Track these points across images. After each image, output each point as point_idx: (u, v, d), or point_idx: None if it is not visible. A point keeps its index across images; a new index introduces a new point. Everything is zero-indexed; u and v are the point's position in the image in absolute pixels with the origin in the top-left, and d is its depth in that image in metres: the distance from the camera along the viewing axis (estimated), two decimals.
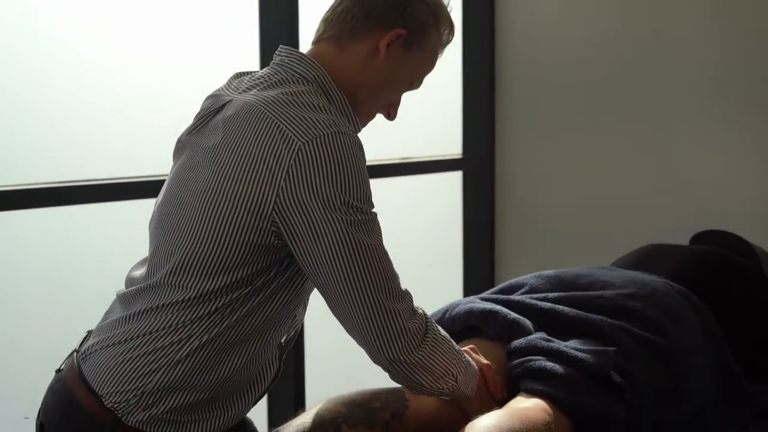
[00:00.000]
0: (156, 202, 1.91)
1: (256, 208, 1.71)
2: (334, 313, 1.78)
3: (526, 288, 2.34)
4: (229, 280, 1.74)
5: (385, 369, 1.81)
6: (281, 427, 1.89)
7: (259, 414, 2.94)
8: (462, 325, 2.24)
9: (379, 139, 2.54)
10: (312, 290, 1.90)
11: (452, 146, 4.00)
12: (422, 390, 1.84)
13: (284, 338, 1.92)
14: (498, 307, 2.21)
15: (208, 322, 1.75)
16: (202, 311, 1.75)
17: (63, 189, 2.62)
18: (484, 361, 2.03)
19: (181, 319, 1.76)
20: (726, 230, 2.86)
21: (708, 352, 2.28)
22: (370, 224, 1.74)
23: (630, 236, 2.94)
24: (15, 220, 2.56)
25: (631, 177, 3.66)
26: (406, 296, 1.79)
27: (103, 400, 1.76)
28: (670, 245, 2.73)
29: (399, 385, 1.93)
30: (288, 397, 3.08)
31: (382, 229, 1.78)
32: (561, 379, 1.99)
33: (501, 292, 2.37)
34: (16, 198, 2.54)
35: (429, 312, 2.29)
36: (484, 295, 2.33)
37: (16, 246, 2.60)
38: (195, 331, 1.75)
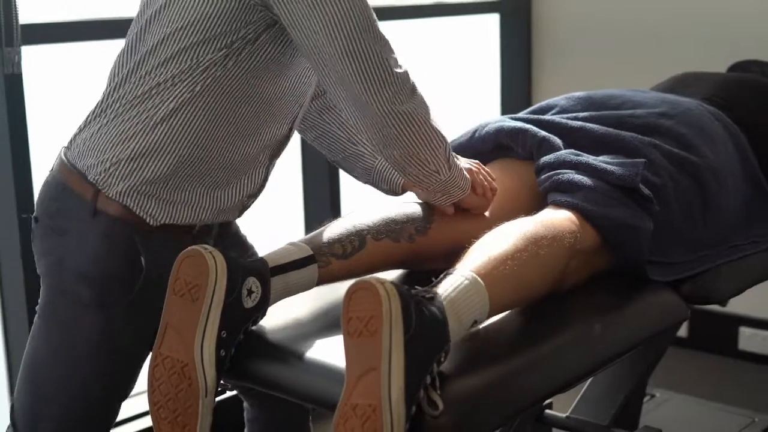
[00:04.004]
0: None
1: None
2: (326, 82, 1.78)
3: (557, 109, 2.33)
4: (210, 47, 1.78)
5: (377, 130, 1.79)
6: (309, 236, 1.91)
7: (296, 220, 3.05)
8: (492, 144, 2.23)
9: None
10: (306, 94, 1.92)
11: None
12: (410, 159, 1.84)
13: (271, 154, 1.95)
14: (528, 126, 2.20)
15: (181, 87, 1.79)
16: (174, 70, 1.79)
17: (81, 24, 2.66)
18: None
19: (155, 82, 1.80)
20: (762, 59, 2.82)
21: (739, 171, 2.27)
22: None
23: (666, 68, 2.89)
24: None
25: (669, 9, 3.60)
26: (389, 43, 1.79)
27: (87, 175, 1.82)
28: (705, 72, 2.69)
29: (424, 202, 1.98)
30: (324, 206, 3.22)
31: None
32: (589, 190, 1.97)
33: (532, 113, 2.36)
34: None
35: (458, 133, 2.31)
36: (515, 115, 2.32)
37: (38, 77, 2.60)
38: (169, 94, 1.79)
